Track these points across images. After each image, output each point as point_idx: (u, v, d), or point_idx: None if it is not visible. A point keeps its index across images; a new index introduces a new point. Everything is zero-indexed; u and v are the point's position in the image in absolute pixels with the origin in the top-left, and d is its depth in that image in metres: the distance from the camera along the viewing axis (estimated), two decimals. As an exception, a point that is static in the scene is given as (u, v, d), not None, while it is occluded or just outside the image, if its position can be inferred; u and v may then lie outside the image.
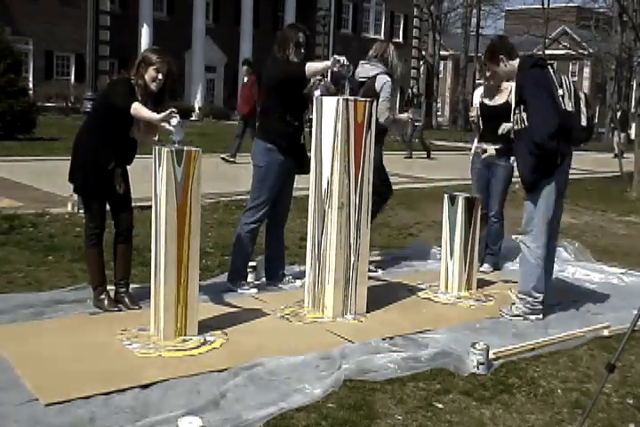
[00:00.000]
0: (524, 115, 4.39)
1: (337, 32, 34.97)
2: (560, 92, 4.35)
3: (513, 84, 5.33)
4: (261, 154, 4.97)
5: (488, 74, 5.61)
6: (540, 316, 4.64)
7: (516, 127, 4.52)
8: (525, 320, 4.60)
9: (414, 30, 40.02)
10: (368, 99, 4.54)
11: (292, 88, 4.83)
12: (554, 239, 4.75)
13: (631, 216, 9.78)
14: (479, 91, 5.96)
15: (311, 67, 4.71)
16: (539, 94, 4.34)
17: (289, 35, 4.90)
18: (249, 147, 5.38)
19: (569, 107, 4.36)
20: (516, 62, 4.57)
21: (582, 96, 4.47)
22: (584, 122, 4.42)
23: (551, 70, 4.45)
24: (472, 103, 6.08)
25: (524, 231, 4.62)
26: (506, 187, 5.94)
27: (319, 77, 4.94)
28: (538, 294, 4.61)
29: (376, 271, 5.71)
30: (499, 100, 5.73)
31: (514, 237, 4.82)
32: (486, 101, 5.81)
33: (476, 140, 5.78)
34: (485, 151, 5.77)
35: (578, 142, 4.58)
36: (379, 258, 6.20)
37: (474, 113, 5.80)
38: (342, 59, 4.54)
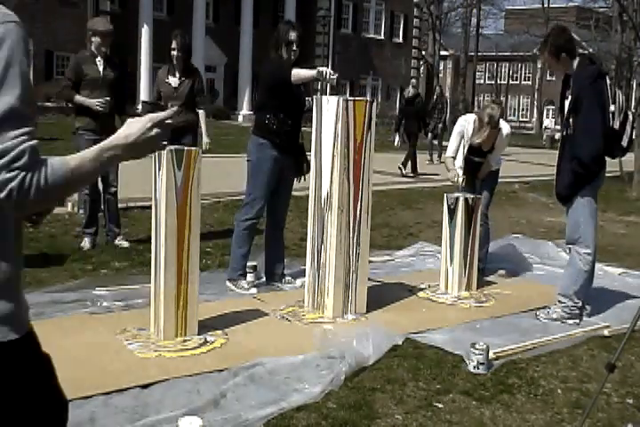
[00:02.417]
0: (572, 121, 4.40)
1: (337, 32, 34.94)
2: (612, 108, 4.34)
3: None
4: (254, 149, 5.02)
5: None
6: (578, 320, 4.61)
7: (565, 133, 4.51)
8: (563, 324, 4.56)
9: (414, 30, 40.00)
10: (367, 98, 4.55)
11: (282, 89, 4.87)
12: None
13: (631, 216, 9.78)
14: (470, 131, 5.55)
15: (297, 74, 4.75)
16: (594, 113, 4.32)
17: (280, 34, 4.96)
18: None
19: (616, 124, 4.36)
20: (575, 62, 4.48)
21: (630, 116, 4.46)
22: (625, 142, 4.43)
23: (608, 82, 4.42)
24: (470, 131, 5.56)
25: (572, 240, 4.58)
26: (492, 189, 5.80)
27: None
28: (578, 300, 4.60)
29: None
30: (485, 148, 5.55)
31: (566, 247, 4.80)
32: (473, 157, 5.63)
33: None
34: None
35: (611, 158, 4.58)
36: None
37: (453, 175, 5.51)
38: (326, 71, 4.59)
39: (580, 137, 4.35)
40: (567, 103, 4.51)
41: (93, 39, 5.77)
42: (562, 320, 4.60)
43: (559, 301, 4.66)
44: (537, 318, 4.70)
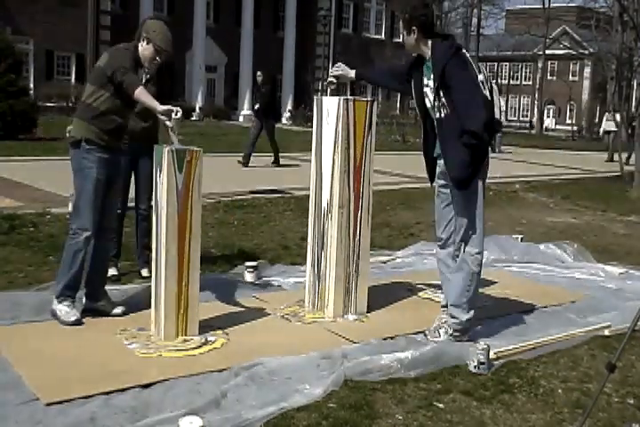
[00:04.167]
0: (445, 100, 3.94)
1: (337, 32, 34.99)
2: (480, 77, 3.95)
3: None
4: None
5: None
6: (471, 333, 4.16)
7: (438, 115, 4.00)
8: (458, 342, 4.08)
9: (415, 30, 40.01)
10: (369, 99, 4.54)
11: None
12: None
13: (631, 216, 9.77)
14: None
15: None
16: (467, 80, 3.90)
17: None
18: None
19: (487, 95, 3.96)
20: (428, 43, 4.00)
21: (495, 87, 4.10)
22: (497, 114, 4.07)
23: (466, 53, 4.03)
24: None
25: (465, 237, 4.15)
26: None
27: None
28: (471, 310, 4.13)
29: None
30: None
31: (453, 246, 4.30)
32: None
33: None
34: None
35: (491, 136, 4.10)
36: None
37: None
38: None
39: (463, 106, 3.88)
40: (430, 84, 4.02)
41: (146, 46, 4.19)
42: (454, 337, 4.11)
43: (450, 314, 4.17)
44: (426, 337, 4.16)
